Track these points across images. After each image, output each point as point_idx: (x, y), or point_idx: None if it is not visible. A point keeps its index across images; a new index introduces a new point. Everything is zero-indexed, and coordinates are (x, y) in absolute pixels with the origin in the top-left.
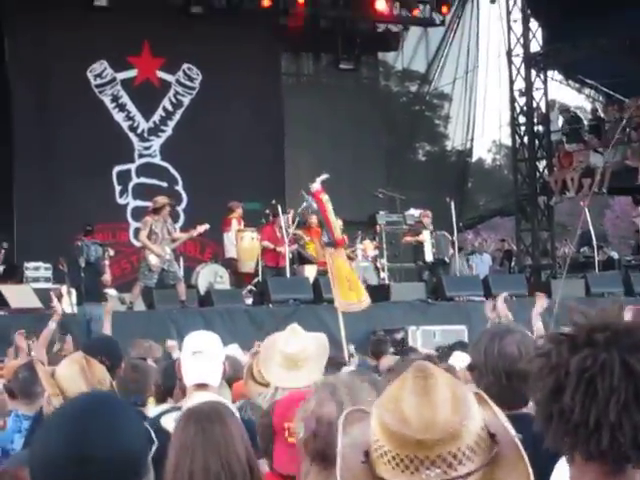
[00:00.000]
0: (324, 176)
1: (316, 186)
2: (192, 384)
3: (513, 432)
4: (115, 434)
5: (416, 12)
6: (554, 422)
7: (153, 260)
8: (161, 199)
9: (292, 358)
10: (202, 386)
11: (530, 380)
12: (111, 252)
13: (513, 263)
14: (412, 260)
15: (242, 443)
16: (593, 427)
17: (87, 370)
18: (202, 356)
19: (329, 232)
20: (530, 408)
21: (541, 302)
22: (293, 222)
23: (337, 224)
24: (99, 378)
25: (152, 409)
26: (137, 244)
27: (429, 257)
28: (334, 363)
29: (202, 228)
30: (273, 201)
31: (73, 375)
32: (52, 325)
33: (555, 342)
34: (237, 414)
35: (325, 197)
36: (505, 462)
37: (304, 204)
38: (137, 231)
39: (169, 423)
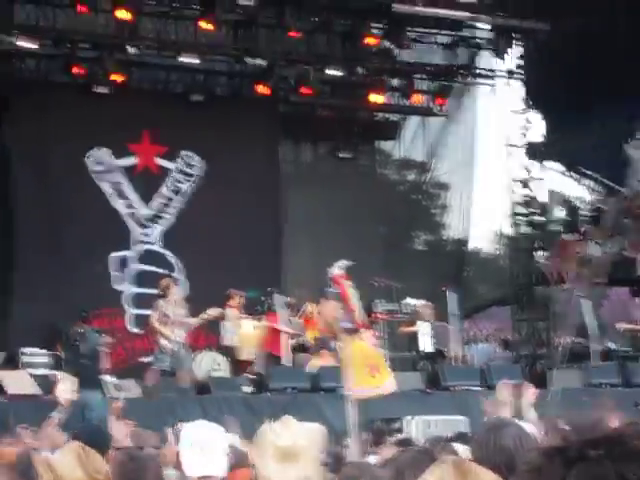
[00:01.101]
0: (344, 262)
1: (335, 271)
2: (195, 477)
3: None
4: None
5: (416, 102)
6: None
7: (164, 342)
8: (164, 281)
9: (286, 451)
10: (205, 478)
11: None
12: (108, 339)
13: (513, 353)
14: (408, 350)
15: None
16: None
17: (84, 459)
18: (203, 448)
19: (351, 317)
20: None
21: (529, 393)
22: (297, 311)
23: (359, 308)
24: (96, 467)
25: None
26: (135, 330)
27: (424, 347)
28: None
29: (215, 311)
30: (269, 289)
31: (70, 463)
32: (55, 415)
33: (546, 456)
34: None
35: (347, 282)
36: None
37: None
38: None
39: None
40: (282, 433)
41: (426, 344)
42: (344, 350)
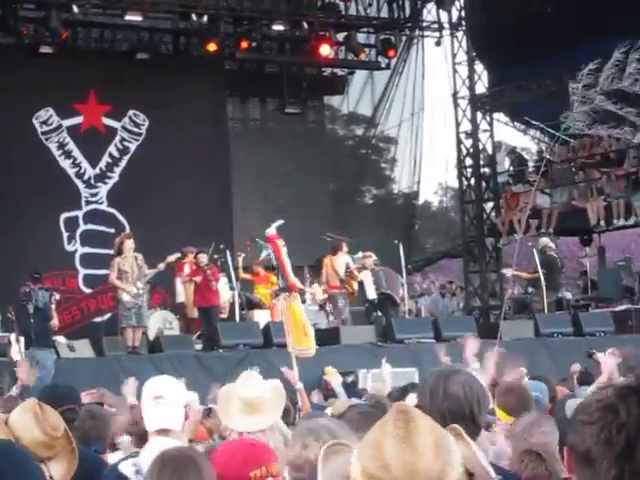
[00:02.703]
0: (279, 222)
1: (271, 231)
2: (154, 429)
3: (492, 471)
4: None
5: (362, 56)
6: None
7: (126, 297)
8: (118, 238)
9: (250, 402)
10: (164, 431)
11: (589, 432)
12: (57, 296)
13: (461, 305)
14: (361, 303)
15: None
16: None
17: (41, 417)
18: (163, 401)
19: (284, 277)
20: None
21: (471, 344)
22: (243, 268)
23: (290, 269)
24: (52, 425)
25: (110, 456)
26: (88, 290)
27: (371, 295)
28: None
29: (172, 257)
30: (221, 245)
31: (27, 422)
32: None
33: (620, 395)
34: None
35: (281, 242)
36: None
37: (264, 252)
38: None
39: (128, 469)
40: (247, 385)
41: (372, 292)
42: (284, 309)
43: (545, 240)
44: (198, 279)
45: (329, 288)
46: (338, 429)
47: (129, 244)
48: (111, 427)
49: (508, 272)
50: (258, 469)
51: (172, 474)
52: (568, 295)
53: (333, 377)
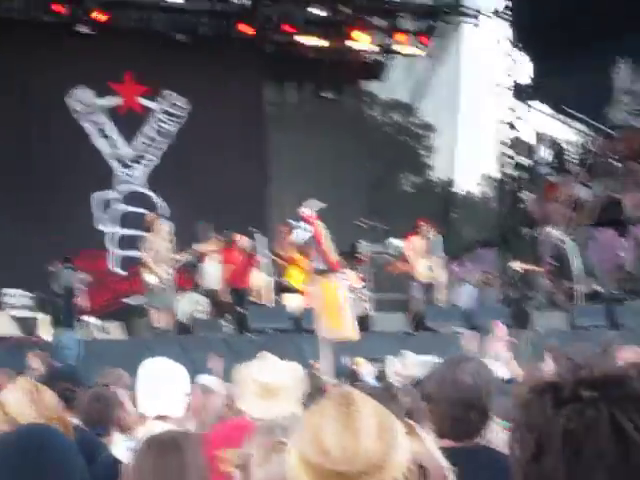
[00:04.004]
0: (319, 204)
1: (307, 211)
2: (151, 415)
3: (445, 464)
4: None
5: (402, 42)
6: None
7: (151, 279)
8: (149, 216)
9: (267, 387)
10: (162, 417)
11: (510, 432)
12: (82, 276)
13: (497, 295)
14: (396, 290)
15: (198, 474)
16: None
17: (36, 396)
18: (163, 386)
19: (325, 257)
20: (484, 439)
21: (498, 331)
22: (277, 252)
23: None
24: (47, 404)
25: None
26: (119, 272)
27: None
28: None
29: (204, 247)
30: (254, 229)
31: (21, 402)
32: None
33: (537, 392)
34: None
35: (319, 222)
36: None
37: (300, 232)
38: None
39: (121, 453)
40: (262, 369)
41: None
42: (316, 292)
43: (553, 232)
44: (232, 265)
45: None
46: (294, 428)
47: (160, 224)
48: (117, 410)
49: (515, 265)
50: (224, 450)
51: (155, 460)
52: (600, 287)
53: (364, 367)
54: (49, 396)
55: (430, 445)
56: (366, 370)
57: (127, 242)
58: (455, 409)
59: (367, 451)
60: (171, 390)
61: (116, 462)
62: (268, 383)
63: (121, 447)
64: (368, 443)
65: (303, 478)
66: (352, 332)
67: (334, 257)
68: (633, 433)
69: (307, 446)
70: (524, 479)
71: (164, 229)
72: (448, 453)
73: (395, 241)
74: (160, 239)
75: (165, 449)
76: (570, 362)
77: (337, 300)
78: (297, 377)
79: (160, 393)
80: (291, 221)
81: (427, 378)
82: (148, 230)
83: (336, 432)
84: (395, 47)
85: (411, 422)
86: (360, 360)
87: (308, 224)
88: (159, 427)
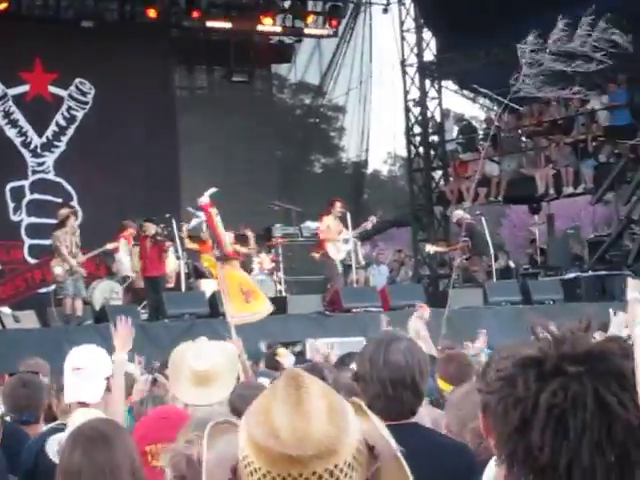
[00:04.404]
0: (212, 190)
1: (204, 200)
2: (73, 402)
3: (394, 444)
4: None
5: (309, 23)
6: (519, 459)
7: (57, 270)
8: (63, 210)
9: (202, 375)
10: (83, 404)
11: (491, 407)
12: None
13: (410, 274)
14: (310, 272)
15: (129, 466)
16: (564, 470)
17: None
18: (83, 373)
19: (219, 245)
20: (417, 418)
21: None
22: (189, 237)
23: (226, 237)
24: None
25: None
26: (33, 261)
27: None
28: None
29: (111, 245)
30: (167, 215)
31: None
32: None
33: (520, 367)
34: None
35: (214, 211)
36: (386, 477)
37: (194, 221)
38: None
39: (53, 447)
40: (200, 356)
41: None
42: (219, 278)
43: (459, 212)
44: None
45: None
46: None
47: (73, 221)
48: (45, 396)
49: (429, 248)
50: (154, 445)
51: (82, 454)
52: (512, 263)
53: (286, 358)
54: None
55: (379, 424)
56: (288, 360)
57: (39, 231)
58: (387, 389)
59: (318, 432)
60: (91, 376)
61: (40, 452)
62: (203, 372)
63: (53, 440)
64: (319, 424)
65: (253, 461)
66: (257, 313)
67: (228, 245)
68: (617, 407)
69: (256, 428)
70: (509, 452)
71: (74, 224)
72: None
73: (311, 224)
74: (70, 234)
75: (93, 444)
76: (552, 337)
77: (237, 284)
78: (231, 361)
79: (81, 380)
80: (190, 209)
81: (358, 358)
82: (62, 224)
83: (286, 414)
84: (304, 29)
85: (357, 400)
86: (282, 351)
87: (203, 212)
88: (84, 414)
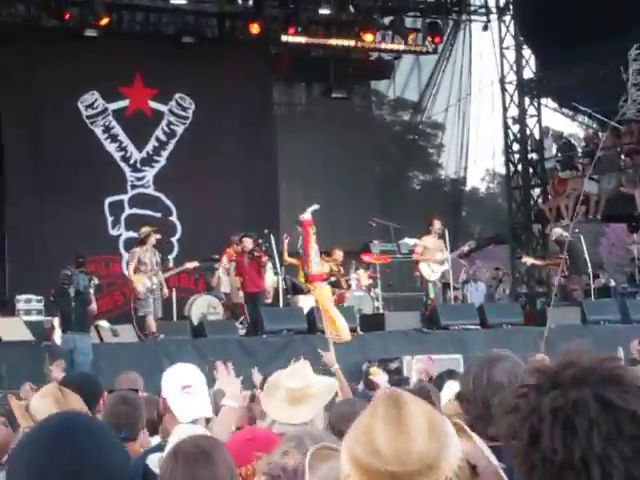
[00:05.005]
0: (315, 206)
1: (307, 216)
2: (188, 420)
3: (496, 463)
4: (104, 452)
5: (409, 40)
6: (537, 470)
7: (139, 288)
8: (145, 228)
9: (294, 393)
10: (197, 420)
11: (503, 440)
12: (96, 281)
13: (508, 291)
14: (407, 289)
15: None
16: (580, 465)
17: (62, 401)
18: (191, 389)
19: (306, 265)
20: None
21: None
22: (289, 253)
23: (316, 259)
24: (74, 408)
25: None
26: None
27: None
28: None
29: (191, 265)
30: (265, 230)
31: (48, 407)
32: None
33: (521, 396)
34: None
35: (312, 229)
36: None
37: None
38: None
39: (155, 463)
40: (294, 376)
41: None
42: (316, 297)
43: (558, 230)
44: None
45: None
46: (324, 437)
47: (153, 240)
48: (143, 413)
49: (526, 259)
50: (244, 467)
51: (184, 470)
52: (612, 282)
53: (379, 377)
54: (75, 399)
55: (480, 444)
56: (381, 379)
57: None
58: (490, 409)
59: (420, 451)
60: (199, 392)
61: (147, 471)
62: (296, 390)
63: (155, 457)
64: (420, 442)
65: (356, 479)
66: (342, 334)
67: (314, 268)
68: (620, 402)
69: (358, 447)
70: (527, 468)
71: (153, 242)
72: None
73: (409, 240)
74: (150, 251)
75: (196, 461)
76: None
77: (323, 305)
78: (327, 388)
79: (190, 397)
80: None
81: (462, 377)
82: (141, 241)
83: (388, 433)
84: (404, 46)
85: (459, 421)
86: (374, 370)
87: (302, 229)
88: (188, 430)
